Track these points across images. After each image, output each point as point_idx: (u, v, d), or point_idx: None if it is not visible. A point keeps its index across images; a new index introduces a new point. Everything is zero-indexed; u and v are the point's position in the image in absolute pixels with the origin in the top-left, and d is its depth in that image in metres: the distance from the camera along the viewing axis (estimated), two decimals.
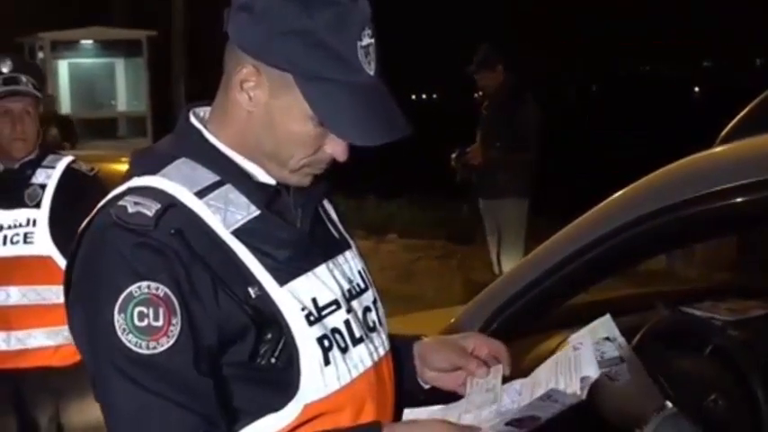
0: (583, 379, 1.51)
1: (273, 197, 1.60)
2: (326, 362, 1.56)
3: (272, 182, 1.61)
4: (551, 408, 1.51)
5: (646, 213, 2.17)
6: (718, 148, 2.25)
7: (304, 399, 1.54)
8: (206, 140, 1.61)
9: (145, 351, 1.44)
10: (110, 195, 1.57)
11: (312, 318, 1.56)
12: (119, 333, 1.44)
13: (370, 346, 1.66)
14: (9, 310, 3.51)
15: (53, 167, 3.57)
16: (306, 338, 1.54)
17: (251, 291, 1.51)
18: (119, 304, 1.44)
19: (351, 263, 1.71)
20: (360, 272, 1.72)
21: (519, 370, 1.73)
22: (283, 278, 1.55)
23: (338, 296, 1.62)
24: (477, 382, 1.72)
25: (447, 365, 1.77)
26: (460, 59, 7.62)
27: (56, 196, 3.53)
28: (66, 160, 3.62)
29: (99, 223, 1.52)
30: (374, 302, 1.72)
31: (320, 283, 1.60)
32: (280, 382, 1.53)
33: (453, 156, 7.15)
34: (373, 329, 1.69)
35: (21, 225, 3.51)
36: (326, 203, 1.76)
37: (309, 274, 1.59)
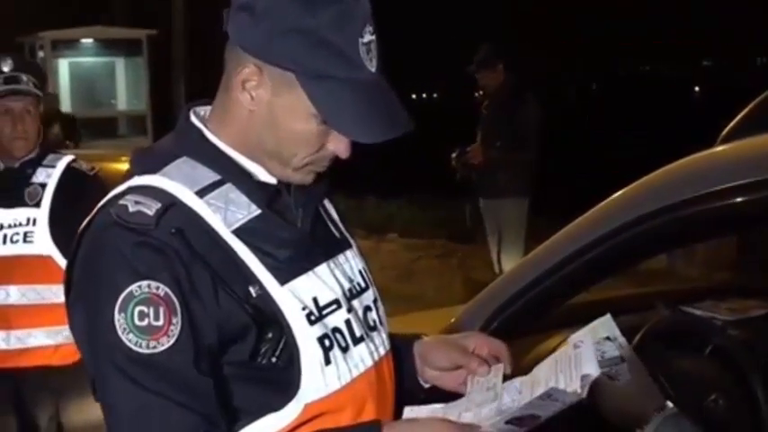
0: (583, 377, 1.51)
1: (274, 196, 1.60)
2: (327, 361, 1.56)
3: (273, 181, 1.61)
4: (551, 406, 1.51)
5: (646, 213, 2.17)
6: (718, 148, 2.25)
7: (305, 398, 1.54)
8: (206, 139, 1.61)
9: (145, 350, 1.44)
10: (110, 194, 1.57)
11: (313, 317, 1.56)
12: (119, 332, 1.44)
13: (371, 345, 1.66)
14: (9, 309, 3.51)
15: (53, 166, 3.57)
16: (306, 338, 1.54)
17: (251, 290, 1.51)
18: (119, 303, 1.44)
19: (351, 262, 1.71)
20: (360, 271, 1.72)
21: (519, 369, 1.73)
22: (284, 277, 1.55)
23: (339, 295, 1.62)
24: (477, 380, 1.72)
25: (448, 364, 1.77)
26: (461, 59, 7.62)
27: (56, 195, 3.53)
28: (66, 159, 3.62)
29: (99, 222, 1.52)
30: (375, 302, 1.72)
31: (321, 283, 1.60)
32: (280, 381, 1.53)
33: (454, 155, 7.15)
34: (374, 329, 1.69)
35: (21, 224, 3.51)
36: (327, 203, 1.76)
37: (310, 273, 1.59)
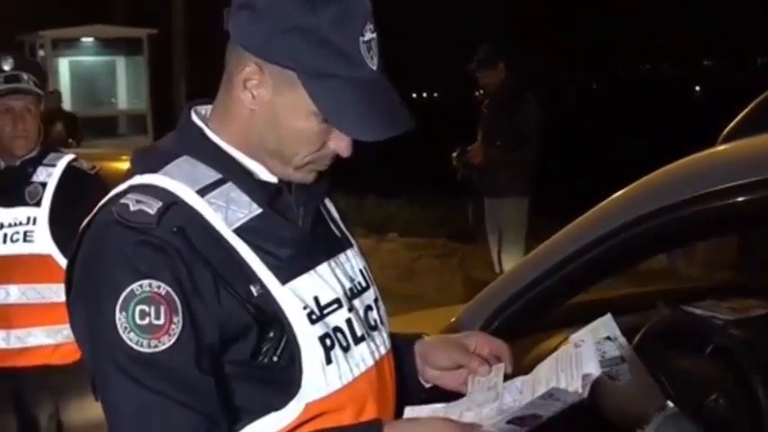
0: (584, 377, 1.51)
1: (275, 195, 1.60)
2: (328, 361, 1.56)
3: (274, 180, 1.61)
4: (553, 406, 1.51)
5: (646, 213, 2.17)
6: (718, 148, 2.25)
7: (306, 397, 1.54)
8: (207, 138, 1.61)
9: (146, 349, 1.44)
10: (111, 193, 1.56)
11: (314, 316, 1.56)
12: (120, 331, 1.44)
13: (372, 344, 1.66)
14: (9, 308, 3.51)
15: (54, 165, 3.57)
16: (307, 337, 1.54)
17: (253, 289, 1.52)
18: (120, 302, 1.44)
19: (352, 261, 1.71)
20: (361, 270, 1.72)
21: (520, 369, 1.73)
22: (285, 276, 1.55)
23: (340, 295, 1.62)
24: (478, 380, 1.72)
25: (449, 364, 1.77)
26: (461, 58, 7.62)
27: (56, 194, 3.52)
28: (67, 158, 3.62)
29: (100, 221, 1.52)
30: (375, 301, 1.72)
31: (322, 282, 1.60)
32: (281, 380, 1.53)
33: (454, 154, 7.15)
34: (375, 328, 1.69)
35: (21, 223, 3.51)
36: (328, 202, 1.76)
37: (311, 272, 1.59)
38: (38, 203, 3.52)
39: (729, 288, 2.78)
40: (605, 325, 1.72)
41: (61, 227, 3.45)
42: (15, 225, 3.50)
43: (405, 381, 1.78)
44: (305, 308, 1.55)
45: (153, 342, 1.44)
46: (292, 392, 1.53)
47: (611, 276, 2.57)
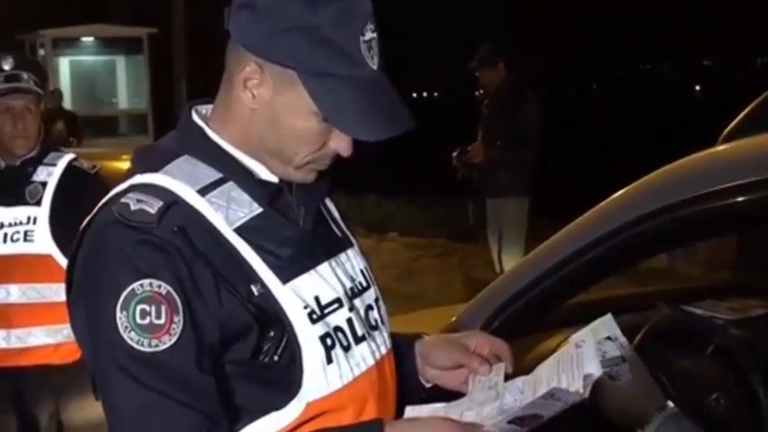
0: (585, 377, 1.51)
1: (276, 195, 1.60)
2: (329, 360, 1.55)
3: (275, 179, 1.61)
4: (554, 406, 1.51)
5: (646, 213, 2.17)
6: (718, 148, 2.25)
7: (306, 397, 1.53)
8: (208, 138, 1.61)
9: (147, 349, 1.43)
10: (112, 193, 1.56)
11: (315, 316, 1.56)
12: (120, 331, 1.44)
13: (372, 344, 1.66)
14: (9, 308, 3.51)
15: (54, 165, 3.57)
16: (308, 336, 1.54)
17: (253, 288, 1.51)
18: (121, 302, 1.44)
19: (353, 261, 1.71)
20: (362, 270, 1.72)
21: (520, 368, 1.73)
22: (286, 276, 1.54)
23: (341, 294, 1.62)
24: (479, 379, 1.72)
25: (449, 363, 1.77)
26: (461, 58, 7.61)
27: (57, 194, 3.52)
28: (67, 158, 3.62)
29: (101, 221, 1.52)
30: (376, 301, 1.72)
31: (323, 282, 1.60)
32: (282, 380, 1.53)
33: (454, 154, 7.15)
34: (375, 328, 1.69)
35: (21, 223, 3.50)
36: (328, 201, 1.76)
37: (312, 272, 1.59)
38: (38, 203, 3.52)
39: (729, 288, 2.79)
40: (606, 325, 1.72)
41: (61, 226, 3.45)
42: (16, 224, 3.50)
43: (405, 380, 1.78)
44: (306, 307, 1.55)
45: (154, 341, 1.44)
46: (293, 392, 1.53)
47: (611, 276, 2.57)
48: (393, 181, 15.05)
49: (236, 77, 1.55)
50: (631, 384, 1.75)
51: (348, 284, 1.65)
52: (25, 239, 3.50)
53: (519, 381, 1.64)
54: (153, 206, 1.49)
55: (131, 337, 1.44)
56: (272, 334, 1.51)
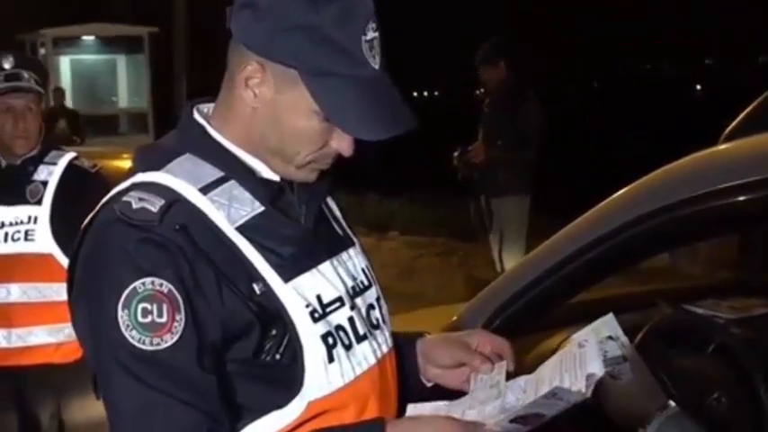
0: (588, 377, 1.51)
1: (277, 194, 1.60)
2: (330, 359, 1.55)
3: (276, 178, 1.61)
4: (556, 405, 1.51)
5: (646, 213, 2.17)
6: (718, 147, 2.25)
7: (308, 396, 1.53)
8: (210, 136, 1.61)
9: (148, 347, 1.43)
10: (114, 191, 1.56)
11: (316, 315, 1.56)
12: (122, 329, 1.44)
13: (374, 343, 1.66)
14: (10, 307, 3.51)
15: (55, 164, 3.57)
16: (310, 335, 1.54)
17: (255, 287, 1.51)
18: (122, 300, 1.44)
19: (354, 260, 1.71)
20: (363, 269, 1.72)
21: (521, 367, 1.73)
22: (288, 275, 1.54)
23: (342, 293, 1.62)
24: (481, 378, 1.72)
25: (451, 362, 1.77)
26: (461, 57, 7.61)
27: (57, 193, 3.52)
28: (68, 157, 3.62)
29: (103, 219, 1.52)
30: (378, 300, 1.72)
31: (324, 280, 1.60)
32: (284, 378, 1.53)
33: (455, 154, 7.14)
34: (377, 327, 1.69)
35: (22, 222, 3.51)
36: (330, 200, 1.76)
37: (314, 270, 1.59)
38: (39, 202, 3.52)
39: (731, 287, 2.78)
40: (607, 324, 1.72)
41: (62, 225, 3.45)
42: (16, 224, 3.50)
43: (407, 379, 1.78)
44: (307, 306, 1.55)
45: (155, 340, 1.44)
46: (294, 391, 1.53)
47: (611, 276, 2.58)
48: (394, 180, 15.05)
49: (237, 76, 1.55)
50: (633, 384, 1.75)
51: (350, 283, 1.65)
52: (26, 239, 3.50)
53: (521, 380, 1.64)
54: (155, 204, 1.49)
55: (133, 336, 1.44)
56: (273, 332, 1.51)
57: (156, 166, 1.57)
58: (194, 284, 1.47)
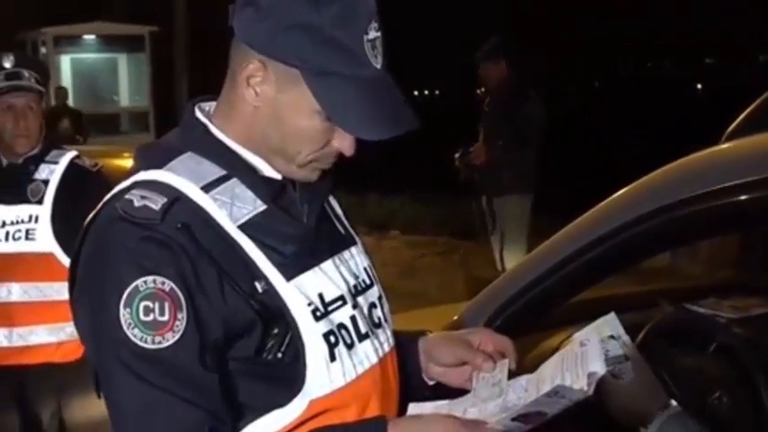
0: (590, 375, 1.51)
1: (279, 192, 1.60)
2: (332, 358, 1.55)
3: (278, 176, 1.61)
4: (558, 404, 1.51)
5: (646, 212, 2.17)
6: (718, 147, 2.25)
7: (309, 394, 1.53)
8: (211, 135, 1.61)
9: (150, 346, 1.43)
10: (115, 189, 1.56)
11: (318, 313, 1.56)
12: (124, 327, 1.44)
13: (376, 342, 1.66)
14: (11, 306, 3.51)
15: (56, 163, 3.57)
16: (312, 334, 1.54)
17: (257, 285, 1.51)
18: (124, 299, 1.44)
19: (356, 259, 1.71)
20: (365, 268, 1.72)
21: (523, 367, 1.73)
22: (290, 273, 1.54)
23: (344, 292, 1.62)
24: (482, 376, 1.72)
25: (453, 360, 1.77)
26: (461, 57, 7.61)
27: (58, 192, 3.53)
28: (69, 155, 3.62)
29: (105, 217, 1.52)
30: (379, 299, 1.72)
31: (326, 279, 1.60)
32: (285, 377, 1.53)
33: (457, 155, 7.15)
34: (378, 326, 1.69)
35: (23, 221, 3.51)
36: (332, 199, 1.76)
37: (316, 269, 1.59)
38: (40, 201, 3.52)
39: (732, 286, 2.78)
40: (609, 323, 1.72)
41: (63, 224, 3.45)
42: (17, 223, 3.50)
43: (408, 378, 1.78)
44: (309, 304, 1.55)
45: (157, 338, 1.44)
46: (296, 389, 1.53)
47: (611, 276, 2.58)
48: (395, 179, 15.03)
49: (239, 75, 1.55)
50: (634, 383, 1.75)
51: (352, 282, 1.65)
52: (27, 238, 3.50)
53: (523, 379, 1.64)
54: (157, 203, 1.49)
55: (135, 334, 1.44)
56: (275, 331, 1.51)
57: (158, 165, 1.57)
58: (196, 283, 1.47)
